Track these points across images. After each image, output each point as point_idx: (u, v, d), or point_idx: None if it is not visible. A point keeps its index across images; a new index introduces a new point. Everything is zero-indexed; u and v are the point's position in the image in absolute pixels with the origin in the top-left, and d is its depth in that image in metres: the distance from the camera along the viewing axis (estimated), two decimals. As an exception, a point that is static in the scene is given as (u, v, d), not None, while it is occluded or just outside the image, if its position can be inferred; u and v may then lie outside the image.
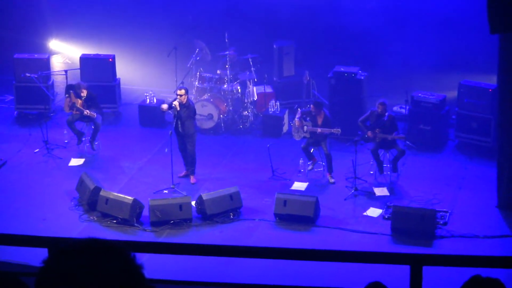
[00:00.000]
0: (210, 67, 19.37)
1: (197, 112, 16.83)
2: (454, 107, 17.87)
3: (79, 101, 17.12)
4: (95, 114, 17.00)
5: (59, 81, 19.96)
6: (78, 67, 19.60)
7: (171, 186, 15.71)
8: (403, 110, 18.04)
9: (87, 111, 16.95)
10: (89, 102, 17.14)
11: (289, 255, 5.64)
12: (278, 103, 18.55)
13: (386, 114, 16.05)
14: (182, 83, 18.01)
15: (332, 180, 16.16)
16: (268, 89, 19.11)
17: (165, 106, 16.04)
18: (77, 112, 17.13)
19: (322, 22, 20.47)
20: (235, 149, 17.75)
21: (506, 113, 14.87)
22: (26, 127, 18.62)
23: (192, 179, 16.16)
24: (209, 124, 18.32)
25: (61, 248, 2.76)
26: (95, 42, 21.41)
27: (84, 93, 17.12)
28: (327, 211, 15.02)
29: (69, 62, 21.86)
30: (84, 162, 17.00)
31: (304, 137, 16.42)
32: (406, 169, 16.53)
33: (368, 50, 20.00)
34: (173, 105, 15.74)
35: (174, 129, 15.86)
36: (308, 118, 16.32)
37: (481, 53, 18.77)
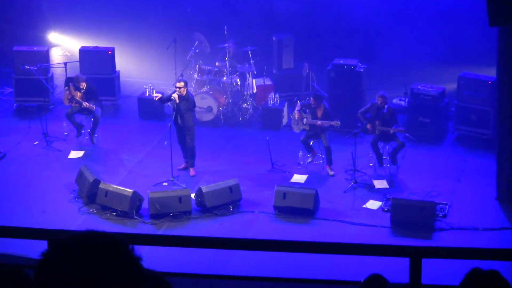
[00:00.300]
0: (209, 60, 19.36)
1: (197, 104, 16.80)
2: (453, 99, 17.86)
3: (78, 93, 17.12)
4: (94, 107, 17.00)
5: (58, 74, 19.94)
6: (78, 59, 19.59)
7: (171, 178, 15.71)
8: (403, 103, 18.04)
9: (86, 103, 16.95)
10: (88, 95, 17.13)
11: (289, 248, 5.65)
12: (277, 96, 18.55)
13: (386, 106, 16.03)
14: (182, 75, 18.00)
15: (331, 173, 16.17)
16: (268, 82, 19.10)
17: (158, 95, 16.06)
18: (76, 105, 17.12)
19: (322, 14, 20.46)
20: (235, 141, 17.75)
21: (506, 105, 14.86)
22: (25, 119, 18.61)
23: (192, 171, 16.16)
24: (208, 117, 18.32)
25: (60, 241, 2.76)
26: (95, 35, 21.38)
27: (83, 86, 17.12)
28: (327, 203, 15.03)
29: (69, 54, 21.85)
30: (84, 154, 16.99)
31: (304, 130, 16.42)
32: (406, 161, 16.53)
33: (368, 43, 19.99)
34: (172, 97, 15.74)
35: (174, 121, 15.86)
36: (307, 111, 16.32)
37: (480, 46, 18.76)
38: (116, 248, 2.75)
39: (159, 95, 16.07)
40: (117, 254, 2.74)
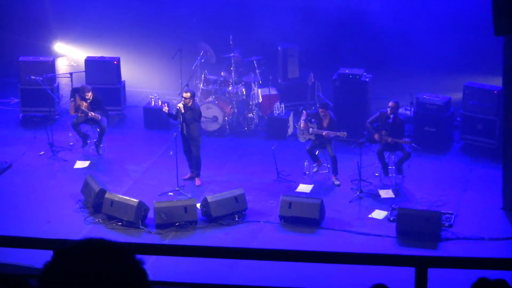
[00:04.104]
0: (214, 70, 19.38)
1: (202, 114, 16.80)
2: (459, 109, 17.84)
3: (84, 103, 17.14)
4: (99, 116, 17.01)
5: (64, 84, 19.98)
6: (83, 69, 19.61)
7: (176, 188, 15.71)
8: (408, 112, 18.03)
9: (92, 113, 16.96)
10: (94, 105, 17.15)
11: (294, 257, 5.63)
12: (283, 105, 18.54)
13: (392, 116, 16.00)
14: (187, 85, 18.02)
15: (337, 182, 16.15)
16: (273, 91, 19.09)
17: (166, 108, 16.04)
18: (82, 115, 17.14)
19: (326, 24, 20.45)
20: (240, 151, 17.75)
21: (511, 114, 14.84)
22: (31, 129, 18.64)
23: (197, 181, 16.16)
24: (214, 126, 18.32)
25: (64, 249, 2.76)
26: (100, 45, 21.43)
27: (89, 96, 17.14)
28: (332, 213, 15.01)
29: (74, 64, 21.89)
30: (89, 164, 17.00)
31: (309, 139, 16.41)
32: (411, 171, 16.50)
33: (373, 52, 20.00)
34: (178, 107, 15.76)
35: (179, 131, 15.87)
36: (313, 120, 16.31)
37: (486, 55, 18.77)
38: (121, 257, 2.75)
39: (167, 108, 16.01)
40: (121, 263, 2.73)
